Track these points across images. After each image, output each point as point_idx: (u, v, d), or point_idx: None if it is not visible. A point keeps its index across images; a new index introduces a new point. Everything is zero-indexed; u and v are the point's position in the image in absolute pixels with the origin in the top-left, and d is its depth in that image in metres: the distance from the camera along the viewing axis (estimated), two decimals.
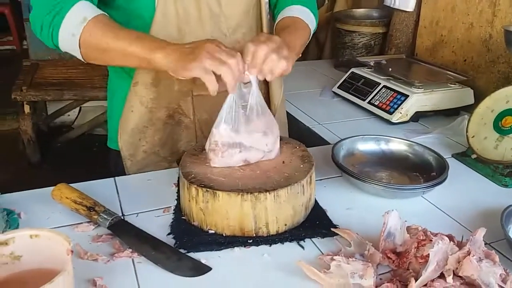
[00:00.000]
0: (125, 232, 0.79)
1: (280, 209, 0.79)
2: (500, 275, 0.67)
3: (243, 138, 0.84)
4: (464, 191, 0.99)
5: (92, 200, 0.85)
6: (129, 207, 0.88)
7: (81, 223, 0.83)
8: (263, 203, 0.77)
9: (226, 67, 0.75)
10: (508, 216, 0.81)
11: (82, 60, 0.87)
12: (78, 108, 3.14)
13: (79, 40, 0.83)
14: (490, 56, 1.41)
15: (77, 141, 2.93)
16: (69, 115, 3.13)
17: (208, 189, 0.78)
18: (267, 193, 0.77)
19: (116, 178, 1.00)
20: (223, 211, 0.78)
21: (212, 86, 0.76)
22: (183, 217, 0.85)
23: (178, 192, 0.93)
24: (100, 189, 0.92)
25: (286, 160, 0.88)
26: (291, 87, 1.59)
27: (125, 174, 1.07)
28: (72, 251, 0.58)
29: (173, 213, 0.87)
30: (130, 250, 0.76)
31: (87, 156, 2.69)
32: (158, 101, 1.02)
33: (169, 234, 0.81)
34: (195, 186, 0.79)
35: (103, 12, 0.86)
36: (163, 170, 1.05)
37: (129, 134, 1.04)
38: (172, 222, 0.84)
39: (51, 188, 0.90)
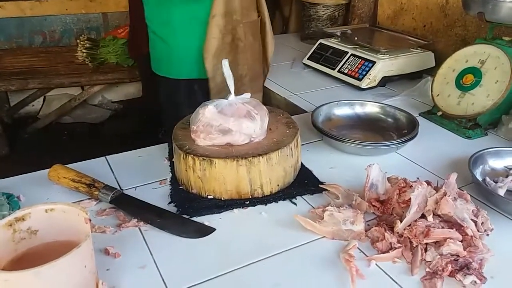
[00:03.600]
0: (127, 204, 0.83)
1: (272, 171, 0.85)
2: (472, 211, 0.76)
3: (228, 122, 0.85)
4: (433, 145, 1.08)
5: (90, 178, 0.88)
6: (125, 182, 0.92)
7: (82, 200, 0.86)
8: (257, 166, 0.83)
9: None
10: (474, 162, 0.91)
11: None
12: (42, 98, 3.05)
13: None
14: (448, 21, 1.51)
15: (45, 131, 2.87)
16: (33, 105, 3.03)
17: (204, 158, 0.82)
18: (260, 157, 0.83)
19: (108, 156, 1.02)
20: (220, 177, 0.83)
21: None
22: (180, 187, 0.89)
23: (171, 165, 0.97)
24: (93, 168, 0.94)
25: (272, 127, 0.94)
26: None
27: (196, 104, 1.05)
28: (90, 220, 0.62)
29: (170, 184, 0.91)
30: (136, 220, 0.80)
31: (57, 145, 2.65)
32: (226, 28, 1.27)
33: (170, 203, 0.85)
34: (192, 156, 0.83)
35: None
36: (152, 147, 1.08)
37: (213, 56, 1.27)
38: (171, 192, 0.88)
39: (46, 170, 0.92)
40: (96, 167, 0.96)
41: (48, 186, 0.90)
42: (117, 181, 0.93)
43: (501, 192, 0.84)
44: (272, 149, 0.85)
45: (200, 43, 1.28)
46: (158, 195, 0.88)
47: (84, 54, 2.57)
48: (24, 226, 0.64)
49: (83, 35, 2.75)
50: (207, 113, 0.86)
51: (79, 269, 0.58)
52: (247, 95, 0.91)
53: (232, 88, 0.88)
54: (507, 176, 0.90)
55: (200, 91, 1.34)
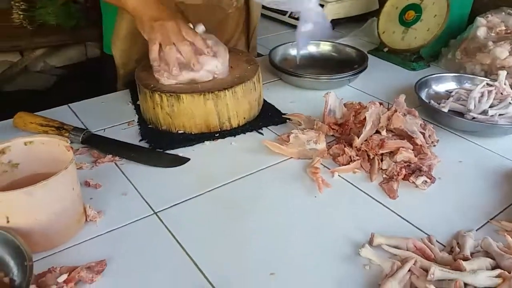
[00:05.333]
0: (100, 143, 0.85)
1: (238, 104, 0.90)
2: (420, 124, 0.85)
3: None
4: (382, 78, 1.17)
5: (58, 121, 0.88)
6: (93, 125, 0.93)
7: None
8: (223, 100, 0.87)
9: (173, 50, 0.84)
10: (420, 87, 1.00)
11: None
12: None
13: None
14: None
15: None
16: None
17: (171, 94, 0.85)
18: (226, 91, 0.87)
19: (70, 104, 1.02)
20: (188, 112, 0.87)
21: (152, 55, 0.87)
22: (150, 126, 0.92)
23: (135, 108, 0.99)
24: (56, 116, 0.93)
25: (233, 65, 0.97)
26: None
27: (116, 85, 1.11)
28: (71, 147, 0.64)
29: (138, 124, 0.94)
30: (111, 155, 0.82)
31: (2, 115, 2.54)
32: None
33: (141, 140, 0.88)
34: (158, 93, 0.86)
35: None
36: (113, 93, 1.09)
37: (121, 41, 1.07)
38: (140, 131, 0.91)
39: (9, 120, 0.91)
40: (60, 115, 0.95)
41: (15, 133, 0.89)
42: (84, 125, 0.93)
43: (445, 110, 0.94)
44: (236, 83, 0.89)
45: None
46: (128, 135, 0.90)
47: (21, 16, 2.43)
48: (5, 159, 0.65)
49: None
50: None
51: (68, 190, 0.61)
52: (200, 27, 0.92)
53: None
54: (448, 98, 1.01)
55: None
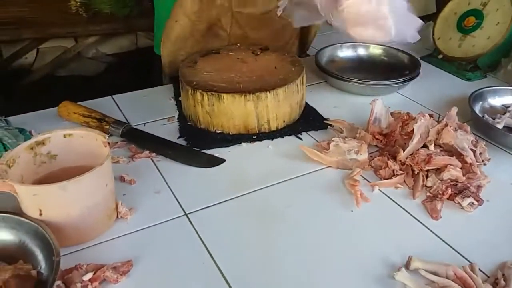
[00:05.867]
0: (138, 138, 0.86)
1: (279, 107, 0.87)
2: (471, 141, 0.79)
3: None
4: (434, 86, 1.11)
5: (100, 113, 0.89)
6: (134, 119, 0.93)
7: None
8: (264, 101, 0.85)
9: None
10: (474, 100, 0.94)
11: None
12: (35, 51, 3.01)
13: None
14: None
15: (39, 84, 2.84)
16: (26, 58, 2.99)
17: (213, 93, 0.84)
18: (267, 92, 0.84)
19: (114, 96, 1.04)
20: (228, 112, 0.85)
21: None
22: (189, 123, 0.92)
23: (177, 104, 0.99)
24: (100, 106, 0.94)
25: (278, 66, 0.95)
26: None
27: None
28: (108, 143, 0.65)
29: (178, 121, 0.93)
30: (148, 151, 0.82)
31: (52, 100, 2.65)
32: (200, 14, 1.03)
33: (179, 137, 0.88)
34: (200, 91, 0.85)
35: None
36: (156, 87, 1.09)
37: (172, 42, 1.06)
38: (179, 128, 0.91)
39: (54, 108, 0.94)
40: (103, 106, 0.97)
41: (58, 122, 0.91)
42: (126, 118, 0.94)
43: (499, 126, 0.88)
44: (279, 84, 0.86)
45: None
46: (167, 131, 0.90)
47: (78, 3, 2.51)
48: (44, 150, 0.66)
49: None
50: None
51: (102, 186, 0.61)
52: None
53: None
54: (504, 113, 0.93)
55: None
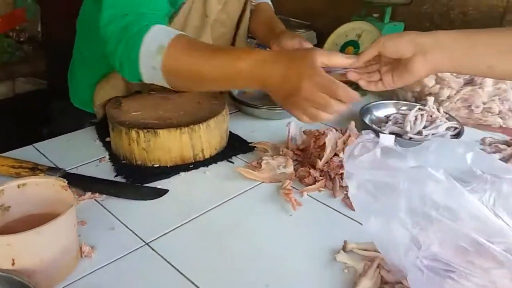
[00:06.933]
0: (77, 181, 0.87)
1: (211, 136, 0.96)
2: None
3: None
4: None
5: (30, 162, 0.89)
6: (64, 165, 0.94)
7: None
8: (197, 133, 0.93)
9: (324, 114, 0.76)
10: (364, 114, 1.14)
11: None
12: None
13: (162, 71, 0.80)
14: (324, 4, 1.76)
15: None
16: None
17: (149, 130, 0.90)
18: (201, 124, 0.93)
19: (35, 144, 1.03)
20: (165, 146, 0.92)
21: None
22: (123, 161, 0.96)
23: (104, 145, 1.02)
24: (23, 157, 0.94)
25: (200, 100, 1.05)
26: None
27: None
28: (69, 186, 0.67)
29: (110, 160, 0.97)
30: (90, 193, 0.85)
31: None
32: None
33: (116, 175, 0.92)
34: (135, 129, 0.91)
35: (180, 32, 0.81)
36: (77, 131, 1.10)
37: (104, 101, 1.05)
38: (115, 167, 0.94)
39: None
40: (27, 156, 0.95)
41: None
42: (55, 165, 0.95)
43: (386, 132, 1.08)
44: (209, 116, 0.96)
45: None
46: (102, 171, 0.93)
47: None
48: None
49: None
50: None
51: (71, 227, 0.64)
52: None
53: None
54: (387, 122, 1.15)
55: None
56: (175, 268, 0.69)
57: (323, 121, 0.78)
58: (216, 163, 0.97)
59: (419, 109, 1.14)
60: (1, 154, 0.92)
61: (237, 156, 1.01)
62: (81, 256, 0.69)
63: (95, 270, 0.68)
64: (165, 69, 0.80)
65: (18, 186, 0.68)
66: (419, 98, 1.23)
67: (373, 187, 0.63)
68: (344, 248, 0.73)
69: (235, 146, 1.03)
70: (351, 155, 0.69)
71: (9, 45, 2.44)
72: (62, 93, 1.26)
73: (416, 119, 1.11)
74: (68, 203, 0.64)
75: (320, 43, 1.49)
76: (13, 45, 2.46)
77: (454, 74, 1.20)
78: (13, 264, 0.59)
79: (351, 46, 1.36)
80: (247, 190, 0.89)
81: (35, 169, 0.87)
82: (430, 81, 1.18)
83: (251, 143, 1.04)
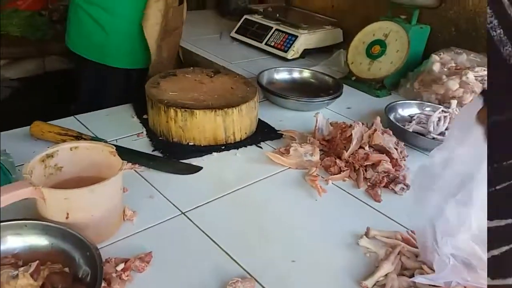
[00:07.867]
0: (119, 152, 0.93)
1: (242, 121, 1.02)
2: (394, 142, 1.02)
3: None
4: (352, 102, 1.34)
5: (75, 131, 0.95)
6: (105, 136, 1.00)
7: None
8: (230, 116, 0.99)
9: None
10: (389, 111, 1.18)
11: None
12: None
13: None
14: (352, 2, 1.79)
15: None
16: None
17: (186, 109, 0.96)
18: (234, 108, 0.99)
19: (77, 115, 1.09)
20: (200, 126, 0.97)
21: None
22: (160, 138, 1.01)
23: (141, 122, 1.08)
24: (68, 126, 1.00)
25: (233, 86, 1.10)
26: (191, 33, 1.77)
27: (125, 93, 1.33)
28: (117, 152, 0.73)
29: (147, 136, 1.03)
30: (130, 163, 0.91)
31: None
32: (163, 13, 1.31)
33: (154, 150, 0.97)
34: (174, 108, 0.96)
35: None
36: (115, 107, 1.16)
37: (154, 43, 1.32)
38: (152, 142, 1.00)
39: (23, 128, 0.97)
40: (71, 125, 1.02)
41: (30, 141, 0.95)
42: (96, 136, 1.01)
43: (410, 130, 1.13)
44: (242, 101, 1.01)
45: (140, 30, 1.31)
46: (140, 145, 0.99)
47: None
48: (53, 163, 0.72)
49: None
50: None
51: (118, 190, 0.70)
52: None
53: None
54: (411, 121, 1.19)
55: (134, 80, 1.40)
56: (208, 236, 0.75)
57: None
58: (246, 146, 1.03)
59: (443, 111, 1.17)
60: (48, 122, 0.98)
61: (265, 142, 1.06)
62: (124, 219, 0.75)
63: (136, 233, 0.74)
64: None
65: (71, 149, 0.74)
66: (443, 101, 1.27)
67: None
68: (367, 234, 0.78)
69: (264, 132, 1.08)
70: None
71: (43, 23, 2.51)
72: None
73: (439, 120, 1.15)
74: (116, 167, 0.70)
75: (346, 41, 1.53)
76: (47, 23, 2.53)
77: (479, 79, 1.24)
78: (67, 217, 0.65)
79: (377, 45, 1.40)
80: (275, 174, 0.94)
81: (79, 137, 0.94)
82: (454, 85, 1.21)
83: (279, 130, 1.09)
